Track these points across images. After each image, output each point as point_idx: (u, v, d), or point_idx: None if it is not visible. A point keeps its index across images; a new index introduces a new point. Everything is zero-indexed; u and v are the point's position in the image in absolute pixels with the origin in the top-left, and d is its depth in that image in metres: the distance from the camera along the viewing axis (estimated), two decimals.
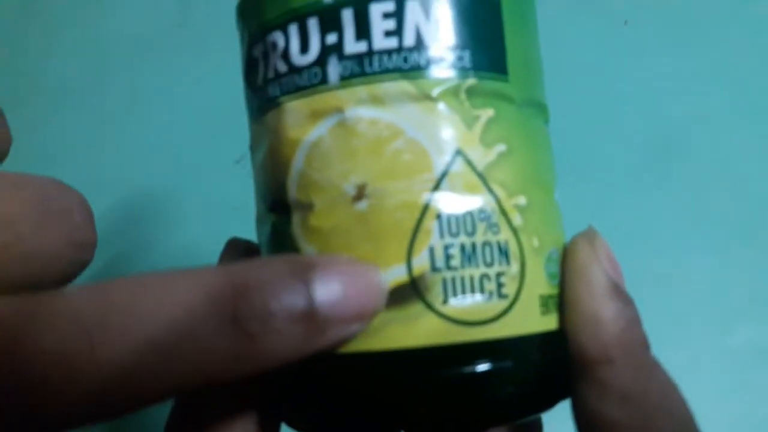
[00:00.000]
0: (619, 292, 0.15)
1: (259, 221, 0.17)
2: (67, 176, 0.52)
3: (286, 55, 0.15)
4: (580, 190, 0.45)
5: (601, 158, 0.48)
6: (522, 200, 0.15)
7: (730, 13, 0.50)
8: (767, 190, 0.46)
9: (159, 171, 0.49)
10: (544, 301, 0.15)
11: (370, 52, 0.14)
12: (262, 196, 0.17)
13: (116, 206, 0.47)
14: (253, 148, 0.17)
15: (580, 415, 0.15)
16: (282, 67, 0.15)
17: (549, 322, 0.15)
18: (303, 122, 0.15)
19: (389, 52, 0.14)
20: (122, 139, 0.50)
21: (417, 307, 0.14)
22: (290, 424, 0.17)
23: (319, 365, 0.14)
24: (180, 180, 0.48)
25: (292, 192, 0.15)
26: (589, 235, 0.16)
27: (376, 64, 0.14)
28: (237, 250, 0.19)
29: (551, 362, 0.15)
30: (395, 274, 0.14)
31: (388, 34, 0.14)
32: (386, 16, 0.15)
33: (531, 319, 0.15)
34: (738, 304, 0.43)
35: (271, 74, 0.16)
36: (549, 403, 0.15)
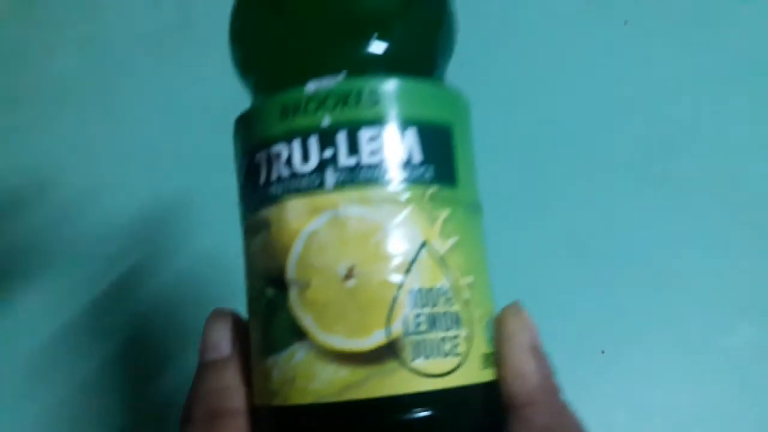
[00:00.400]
0: (538, 353, 0.20)
1: (253, 296, 0.20)
2: (67, 176, 0.48)
3: (289, 163, 0.19)
4: (580, 190, 0.46)
5: (601, 158, 0.47)
6: (470, 279, 0.20)
7: (729, 13, 0.49)
8: (767, 190, 0.45)
9: (159, 171, 0.48)
10: (486, 359, 0.20)
11: (359, 166, 0.19)
12: (260, 275, 0.20)
13: (116, 206, 0.46)
14: (249, 235, 0.21)
15: None
16: (285, 172, 0.19)
17: (489, 375, 0.20)
18: (302, 217, 0.19)
19: (373, 166, 0.19)
20: (122, 139, 0.49)
21: (393, 364, 0.18)
22: None
23: (313, 414, 0.18)
24: (180, 180, 0.47)
25: (291, 272, 0.19)
26: (515, 308, 0.21)
27: (363, 174, 0.19)
28: (224, 322, 0.22)
29: (490, 405, 0.19)
30: (377, 338, 0.18)
31: (372, 152, 0.19)
32: (371, 139, 0.19)
33: (476, 372, 0.19)
34: (738, 304, 0.42)
35: (274, 177, 0.20)
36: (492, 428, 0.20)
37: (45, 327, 0.44)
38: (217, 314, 0.22)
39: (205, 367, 0.21)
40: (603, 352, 0.42)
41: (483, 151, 0.49)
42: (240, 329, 0.21)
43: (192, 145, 0.49)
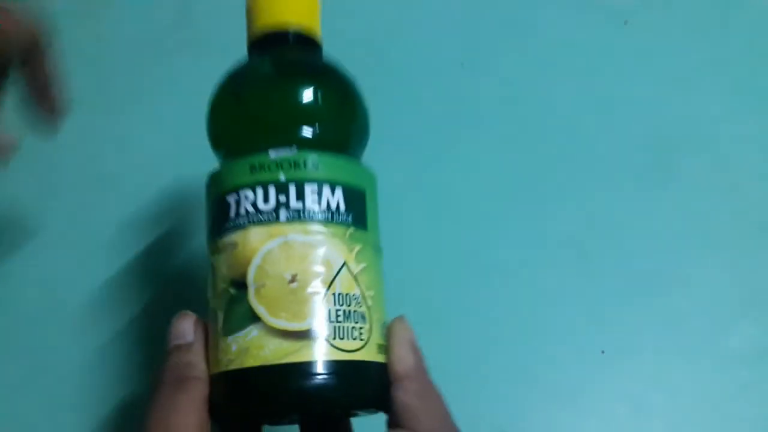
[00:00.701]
0: (413, 346, 0.29)
1: (216, 295, 0.28)
2: (68, 176, 0.47)
3: (254, 203, 0.28)
4: (580, 189, 0.45)
5: (601, 158, 0.45)
6: (372, 293, 0.29)
7: (729, 13, 0.48)
8: (767, 190, 0.44)
9: (160, 171, 0.47)
10: (379, 347, 0.29)
11: (304, 208, 0.28)
12: (225, 280, 0.28)
13: (117, 205, 0.45)
14: (217, 253, 0.29)
15: (393, 405, 0.28)
16: (251, 209, 0.28)
17: (381, 358, 0.28)
18: (262, 239, 0.28)
19: (312, 210, 0.28)
20: (123, 139, 0.48)
21: (318, 340, 0.27)
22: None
23: (261, 372, 0.26)
24: (181, 179, 0.46)
25: (251, 276, 0.27)
26: (400, 317, 0.30)
27: (305, 214, 0.28)
28: (188, 318, 0.29)
29: (381, 377, 0.28)
30: (309, 323, 0.27)
31: (312, 201, 0.28)
32: (312, 192, 0.28)
33: (373, 354, 0.28)
34: (738, 304, 0.41)
35: (242, 212, 0.28)
36: (379, 397, 0.28)
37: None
38: (183, 313, 0.29)
39: (173, 348, 0.28)
40: (603, 352, 0.41)
41: (483, 151, 0.48)
42: (199, 324, 0.29)
43: (192, 145, 0.44)
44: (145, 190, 0.46)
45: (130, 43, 0.50)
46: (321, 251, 0.28)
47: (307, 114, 0.30)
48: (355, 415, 0.31)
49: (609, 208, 0.43)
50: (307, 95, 0.30)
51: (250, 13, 0.32)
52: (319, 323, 0.27)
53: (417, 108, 0.49)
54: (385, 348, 0.29)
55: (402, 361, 0.28)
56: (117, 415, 0.41)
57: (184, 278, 0.45)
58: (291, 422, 0.31)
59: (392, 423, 0.28)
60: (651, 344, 0.41)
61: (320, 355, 0.26)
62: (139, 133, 0.48)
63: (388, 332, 0.29)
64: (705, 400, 0.40)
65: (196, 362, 0.28)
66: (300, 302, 0.27)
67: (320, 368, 0.26)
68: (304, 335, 0.27)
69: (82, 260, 0.45)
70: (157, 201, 0.46)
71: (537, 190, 0.46)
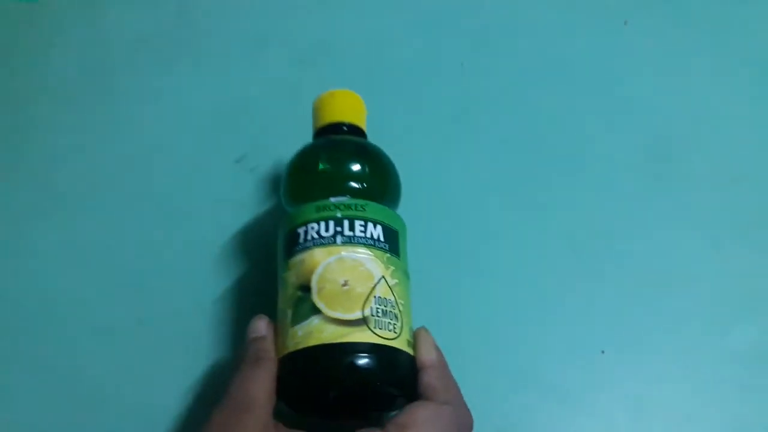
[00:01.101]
0: (435, 345, 0.38)
1: (286, 298, 0.38)
2: (68, 175, 0.48)
3: (318, 231, 0.38)
4: (580, 189, 0.44)
5: (601, 158, 0.45)
6: (402, 302, 0.38)
7: (729, 14, 0.47)
8: (767, 190, 0.44)
9: (160, 170, 0.47)
10: (408, 342, 0.37)
11: (354, 236, 0.38)
12: (294, 286, 0.37)
13: (117, 205, 0.45)
14: (287, 268, 0.38)
15: (418, 387, 0.36)
16: (315, 236, 0.38)
17: (410, 350, 0.37)
18: (323, 256, 0.37)
19: (361, 237, 0.38)
20: (123, 139, 0.48)
21: (363, 327, 0.35)
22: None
23: (321, 349, 0.34)
24: (181, 179, 0.47)
25: (314, 282, 0.37)
26: (424, 327, 0.39)
27: (355, 240, 0.38)
28: (262, 319, 0.38)
29: (411, 363, 0.36)
30: (357, 314, 0.36)
31: (360, 231, 0.38)
32: (360, 225, 0.39)
33: (404, 345, 0.36)
34: (738, 305, 0.41)
35: (309, 238, 0.38)
36: (406, 379, 0.36)
37: None
38: (259, 316, 0.38)
39: (251, 339, 0.37)
40: (603, 352, 0.40)
41: (483, 151, 0.48)
42: (270, 324, 0.38)
43: (193, 145, 0.47)
44: (144, 189, 0.46)
45: (130, 43, 0.49)
46: (366, 265, 0.37)
47: (358, 174, 0.41)
48: (386, 396, 0.38)
49: (609, 208, 0.43)
50: (357, 163, 0.42)
51: (317, 111, 0.45)
52: (365, 315, 0.36)
53: (417, 108, 0.49)
54: (413, 345, 0.38)
55: (427, 354, 0.37)
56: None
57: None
58: (336, 408, 0.38)
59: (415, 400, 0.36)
60: (651, 344, 0.40)
61: (366, 337, 0.35)
62: (139, 133, 0.48)
63: (414, 335, 0.38)
64: (704, 400, 0.39)
65: (269, 348, 0.36)
66: (351, 300, 0.36)
67: (366, 347, 0.35)
68: (354, 323, 0.35)
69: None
70: (157, 200, 0.45)
71: (536, 190, 0.45)
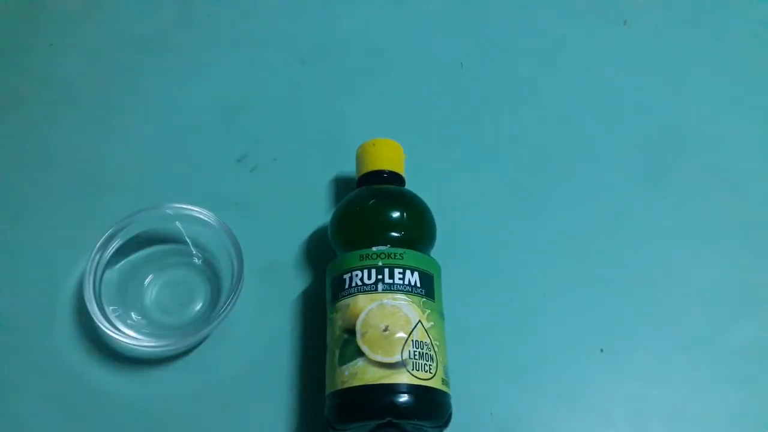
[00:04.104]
0: None
1: (334, 338, 0.42)
2: (68, 175, 0.48)
3: (361, 278, 0.43)
4: (580, 189, 0.44)
5: (600, 158, 0.45)
6: (438, 342, 0.42)
7: (729, 14, 0.48)
8: (767, 190, 0.43)
9: (160, 170, 0.47)
10: (443, 381, 0.41)
11: (393, 283, 0.42)
12: (341, 329, 0.42)
13: (117, 205, 0.45)
14: (335, 311, 0.43)
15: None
16: (359, 283, 0.43)
17: (445, 388, 0.41)
18: (366, 302, 0.42)
19: (400, 284, 0.42)
20: (123, 139, 0.48)
21: (402, 370, 0.40)
22: None
23: (365, 389, 0.39)
24: (181, 179, 0.47)
25: (359, 327, 0.41)
26: None
27: (395, 287, 0.42)
28: None
29: (445, 400, 0.41)
30: (397, 358, 0.40)
31: (399, 278, 0.43)
32: (399, 273, 0.43)
33: (439, 384, 0.41)
34: (738, 303, 0.40)
35: (353, 285, 0.43)
36: (441, 413, 0.40)
37: None
38: None
39: None
40: (602, 350, 0.40)
41: (482, 151, 0.48)
42: None
43: (193, 145, 0.47)
44: (145, 189, 0.46)
45: (131, 43, 0.49)
46: (404, 311, 0.42)
47: (396, 224, 0.45)
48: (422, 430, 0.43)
49: (608, 208, 0.43)
50: (396, 213, 0.46)
51: (359, 159, 0.49)
52: (404, 359, 0.40)
53: (417, 108, 0.49)
54: (447, 383, 0.42)
55: None
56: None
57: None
58: None
59: None
60: (650, 343, 0.40)
61: (404, 379, 0.40)
62: (139, 133, 0.47)
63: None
64: (703, 398, 0.39)
65: None
66: (391, 344, 0.41)
67: (404, 388, 0.39)
68: (393, 366, 0.40)
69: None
70: (158, 199, 0.45)
71: (536, 190, 0.45)
